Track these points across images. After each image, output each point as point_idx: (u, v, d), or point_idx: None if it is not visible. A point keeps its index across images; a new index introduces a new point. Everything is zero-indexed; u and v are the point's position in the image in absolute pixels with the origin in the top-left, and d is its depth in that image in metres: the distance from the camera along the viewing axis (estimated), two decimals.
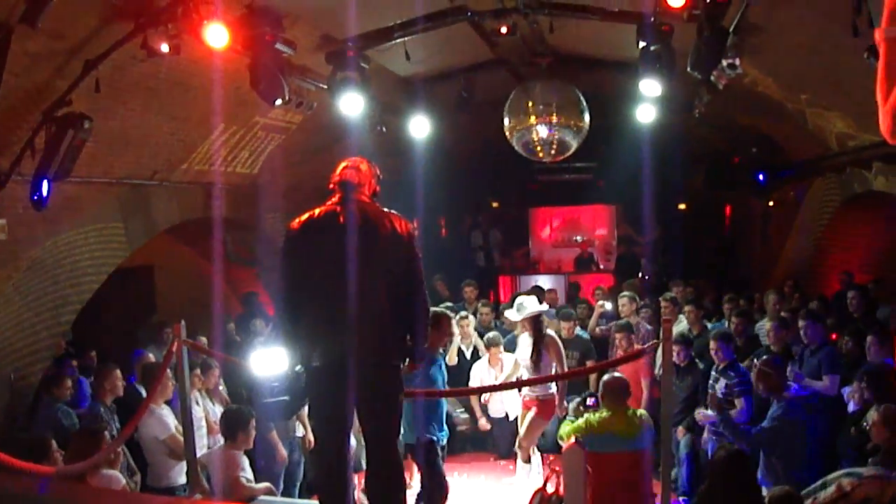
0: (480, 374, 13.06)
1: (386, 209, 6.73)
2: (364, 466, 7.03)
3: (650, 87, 11.34)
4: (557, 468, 8.32)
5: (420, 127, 14.42)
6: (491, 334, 13.29)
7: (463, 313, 14.04)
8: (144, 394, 10.27)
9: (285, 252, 6.89)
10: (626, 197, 23.74)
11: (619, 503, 8.60)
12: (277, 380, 9.57)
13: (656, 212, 21.44)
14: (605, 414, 8.82)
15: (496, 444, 13.60)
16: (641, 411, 9.24)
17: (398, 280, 6.59)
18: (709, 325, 13.71)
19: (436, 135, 15.01)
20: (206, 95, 11.15)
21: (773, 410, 9.12)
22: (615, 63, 14.77)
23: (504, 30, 12.15)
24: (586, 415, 8.97)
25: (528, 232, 28.49)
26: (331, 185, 6.84)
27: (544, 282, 21.78)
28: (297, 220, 6.78)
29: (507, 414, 13.21)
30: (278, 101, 10.20)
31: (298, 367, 6.98)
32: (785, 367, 9.91)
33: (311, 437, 10.82)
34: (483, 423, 13.41)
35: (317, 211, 6.72)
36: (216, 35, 8.73)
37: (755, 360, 10.05)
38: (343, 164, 6.92)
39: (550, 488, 8.95)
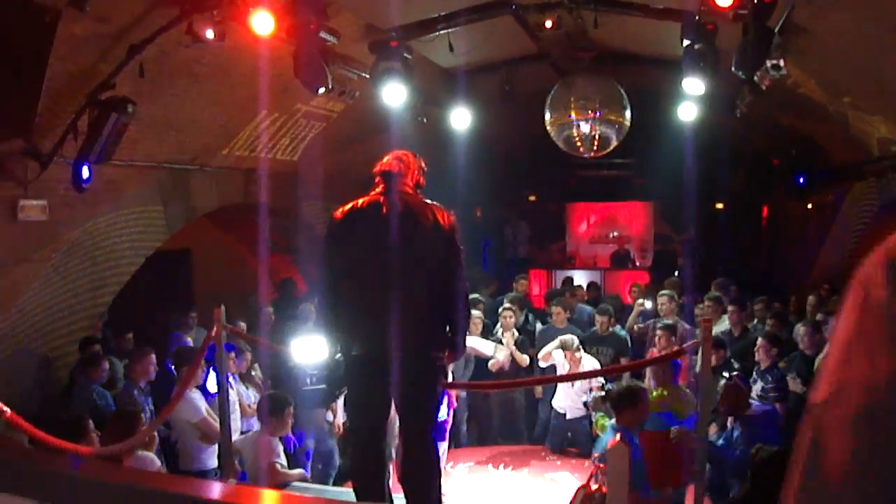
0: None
1: (429, 201, 6.72)
2: (396, 455, 7.03)
3: (693, 86, 11.27)
4: (602, 465, 8.32)
5: (461, 118, 14.43)
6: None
7: (507, 305, 14.00)
8: (177, 376, 10.34)
9: (328, 241, 6.83)
10: (664, 195, 23.65)
11: (672, 480, 8.63)
12: (316, 368, 9.58)
13: (694, 210, 21.35)
14: (661, 392, 8.83)
15: (552, 437, 13.54)
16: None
17: (439, 271, 6.56)
18: (748, 327, 13.58)
19: (477, 127, 15.01)
20: (249, 82, 11.19)
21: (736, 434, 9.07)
22: (658, 60, 14.70)
23: (549, 24, 12.14)
24: None
25: (566, 226, 28.39)
26: (375, 177, 6.79)
27: (579, 277, 21.69)
28: (340, 210, 6.73)
29: (565, 410, 13.15)
30: (321, 90, 10.21)
31: (338, 356, 6.98)
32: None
33: (339, 422, 10.86)
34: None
35: (360, 201, 6.68)
36: (261, 22, 8.77)
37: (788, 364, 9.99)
38: (387, 156, 6.93)
39: (594, 485, 8.95)
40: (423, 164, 7.02)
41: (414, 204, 6.59)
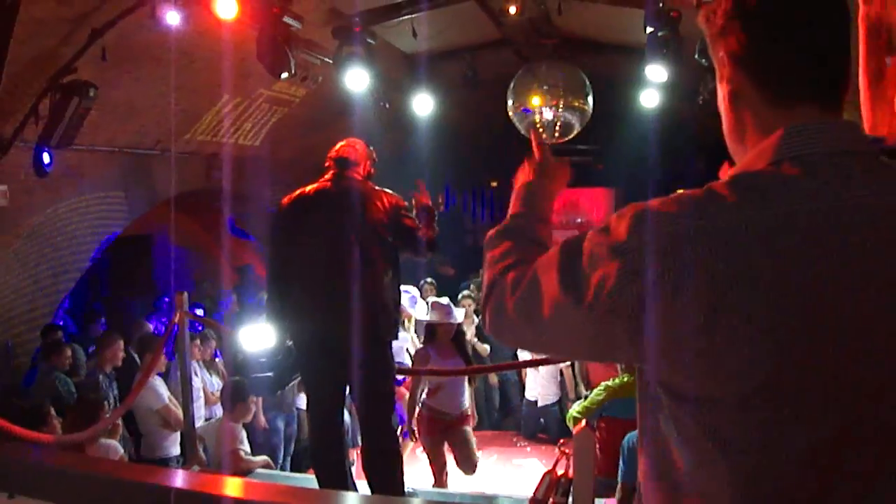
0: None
1: (378, 188, 6.74)
2: (360, 442, 7.04)
3: (656, 73, 11.34)
4: (567, 450, 8.33)
5: (423, 104, 14.41)
6: None
7: (466, 293, 14.00)
8: (140, 363, 10.30)
9: (274, 228, 6.90)
10: (626, 181, 23.70)
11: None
12: (265, 355, 9.59)
13: (656, 197, 21.40)
14: (626, 379, 8.84)
15: (525, 424, 13.55)
16: None
17: (388, 256, 6.61)
18: None
19: (439, 112, 14.99)
20: (212, 66, 11.14)
21: None
22: (621, 47, 14.75)
23: (512, 10, 12.14)
24: (604, 382, 8.94)
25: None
26: (327, 162, 6.83)
27: None
28: (287, 197, 6.78)
29: (536, 398, 13.17)
30: (284, 75, 10.15)
31: (289, 343, 6.99)
32: None
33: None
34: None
35: (308, 188, 6.73)
36: (225, 6, 8.70)
37: None
38: (341, 143, 6.93)
39: (560, 471, 8.95)
40: (374, 156, 7.05)
41: (364, 190, 6.61)
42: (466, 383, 9.80)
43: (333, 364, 6.48)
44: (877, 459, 1.58)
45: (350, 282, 6.33)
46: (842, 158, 1.65)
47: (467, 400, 9.74)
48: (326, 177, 6.73)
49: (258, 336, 9.06)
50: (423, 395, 9.57)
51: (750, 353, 1.51)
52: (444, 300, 9.99)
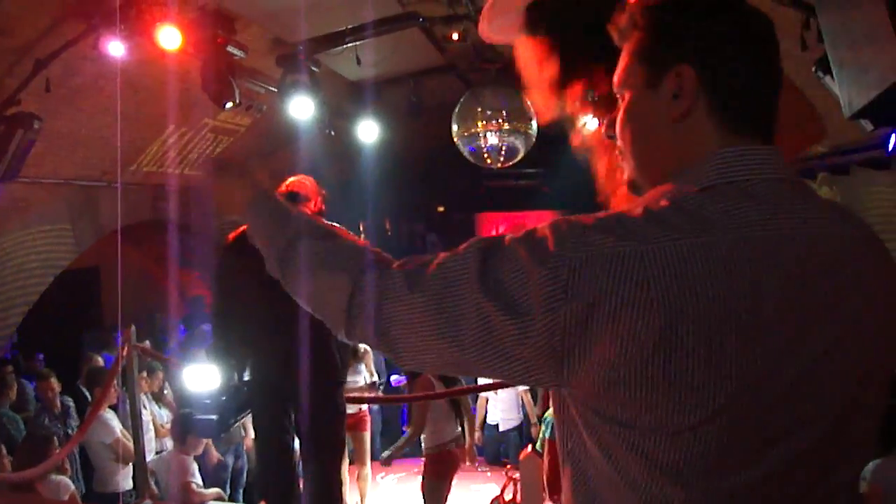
0: None
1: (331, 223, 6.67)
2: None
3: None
4: (515, 476, 8.33)
5: (369, 131, 14.45)
6: None
7: None
8: (90, 398, 10.22)
9: (221, 265, 6.79)
10: (572, 204, 23.70)
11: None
12: (209, 396, 9.46)
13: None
14: None
15: (486, 449, 13.53)
16: None
17: None
18: None
19: (385, 139, 15.03)
20: (157, 97, 11.10)
21: None
22: None
23: (455, 36, 12.20)
24: None
25: (476, 236, 28.22)
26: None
27: None
28: (234, 233, 6.58)
29: (497, 422, 13.18)
30: (228, 104, 10.15)
31: (235, 383, 6.89)
32: None
33: (250, 441, 10.78)
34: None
35: None
36: (169, 37, 8.71)
37: None
38: (291, 178, 6.87)
39: (508, 496, 8.97)
40: (324, 192, 6.98)
41: None
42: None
43: (284, 403, 6.42)
44: (819, 491, 1.60)
45: (298, 319, 6.13)
46: (775, 185, 1.65)
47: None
48: None
49: (202, 375, 9.00)
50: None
51: (694, 383, 1.48)
52: None
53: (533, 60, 2.52)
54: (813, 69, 7.78)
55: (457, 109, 14.68)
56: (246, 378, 6.63)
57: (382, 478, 11.45)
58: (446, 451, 9.40)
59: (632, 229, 1.54)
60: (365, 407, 10.69)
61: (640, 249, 1.50)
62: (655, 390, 1.50)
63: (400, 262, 1.82)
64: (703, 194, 1.61)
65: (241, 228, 6.41)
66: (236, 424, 9.27)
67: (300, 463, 6.96)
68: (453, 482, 9.40)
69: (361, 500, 10.65)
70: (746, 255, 1.51)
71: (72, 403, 10.41)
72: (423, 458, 9.51)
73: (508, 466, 10.77)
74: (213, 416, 8.11)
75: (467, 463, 10.11)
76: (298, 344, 6.18)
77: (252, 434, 10.32)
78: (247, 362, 6.54)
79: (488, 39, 2.74)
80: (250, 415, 7.22)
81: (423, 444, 9.49)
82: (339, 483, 6.96)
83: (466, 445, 9.85)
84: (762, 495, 1.55)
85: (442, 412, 9.44)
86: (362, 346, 11.24)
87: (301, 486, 7.05)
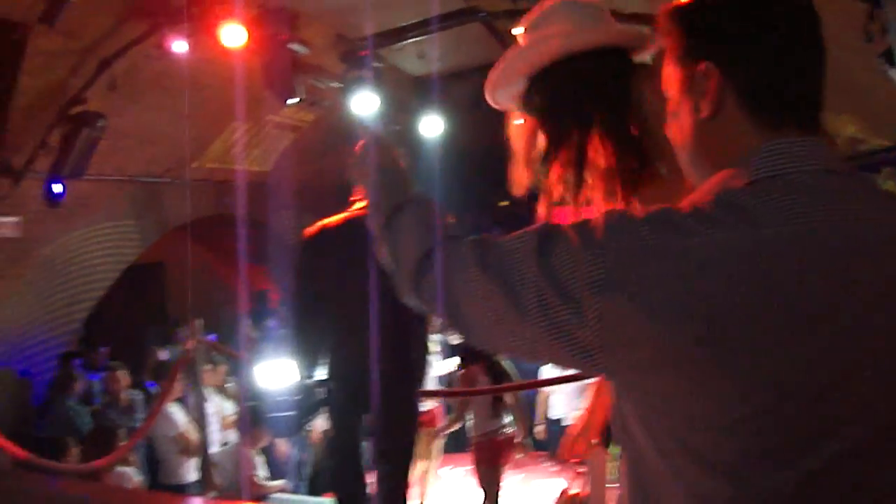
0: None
1: None
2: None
3: None
4: (581, 470, 8.33)
5: (433, 126, 14.42)
6: None
7: None
8: (154, 392, 10.33)
9: (300, 262, 6.61)
10: None
11: None
12: (283, 394, 9.47)
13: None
14: None
15: (552, 445, 13.40)
16: None
17: None
18: None
19: (448, 134, 15.00)
20: (220, 94, 11.17)
21: None
22: None
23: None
24: None
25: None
26: (353, 193, 6.38)
27: None
28: (314, 227, 6.39)
29: (560, 416, 13.05)
30: (291, 100, 10.18)
31: (311, 380, 6.79)
32: None
33: (316, 435, 10.82)
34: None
35: (338, 217, 6.34)
36: (232, 35, 8.76)
37: None
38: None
39: (575, 490, 8.95)
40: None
41: None
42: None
43: (360, 402, 6.31)
44: (869, 490, 1.55)
45: (378, 323, 5.95)
46: (822, 177, 1.61)
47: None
48: (355, 207, 6.33)
49: (275, 372, 9.03)
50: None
51: (735, 376, 1.47)
52: None
53: (522, 135, 2.71)
54: (878, 61, 7.68)
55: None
56: (322, 377, 6.51)
57: (451, 469, 11.45)
58: (492, 439, 9.57)
59: (677, 223, 1.54)
60: (436, 404, 10.67)
61: (683, 243, 1.50)
62: (697, 383, 1.51)
63: (473, 238, 1.83)
64: (746, 189, 1.60)
65: (319, 225, 6.39)
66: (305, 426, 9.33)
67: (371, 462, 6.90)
68: (520, 478, 9.40)
69: (423, 497, 10.64)
70: (789, 248, 1.50)
71: (138, 396, 10.54)
72: (472, 447, 9.67)
73: (575, 460, 10.71)
74: (288, 414, 8.15)
75: (520, 455, 10.13)
76: (377, 344, 6.02)
77: (318, 427, 10.40)
78: (324, 361, 6.42)
79: (493, 104, 2.87)
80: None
81: (470, 434, 9.60)
82: (408, 485, 6.90)
83: (518, 437, 9.89)
84: (810, 493, 1.52)
85: (485, 402, 9.60)
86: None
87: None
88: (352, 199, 6.42)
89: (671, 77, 1.83)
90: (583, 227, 1.63)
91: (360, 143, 2.47)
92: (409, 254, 1.96)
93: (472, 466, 9.60)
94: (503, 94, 2.80)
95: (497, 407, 9.63)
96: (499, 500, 9.67)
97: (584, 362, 1.62)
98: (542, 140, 2.60)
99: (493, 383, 9.54)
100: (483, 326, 1.77)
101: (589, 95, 2.53)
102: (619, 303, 1.51)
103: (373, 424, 6.45)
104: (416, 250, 1.93)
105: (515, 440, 9.86)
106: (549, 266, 1.61)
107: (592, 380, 11.49)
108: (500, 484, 9.60)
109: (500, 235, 1.80)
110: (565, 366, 1.74)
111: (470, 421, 9.76)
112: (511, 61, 2.69)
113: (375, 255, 2.06)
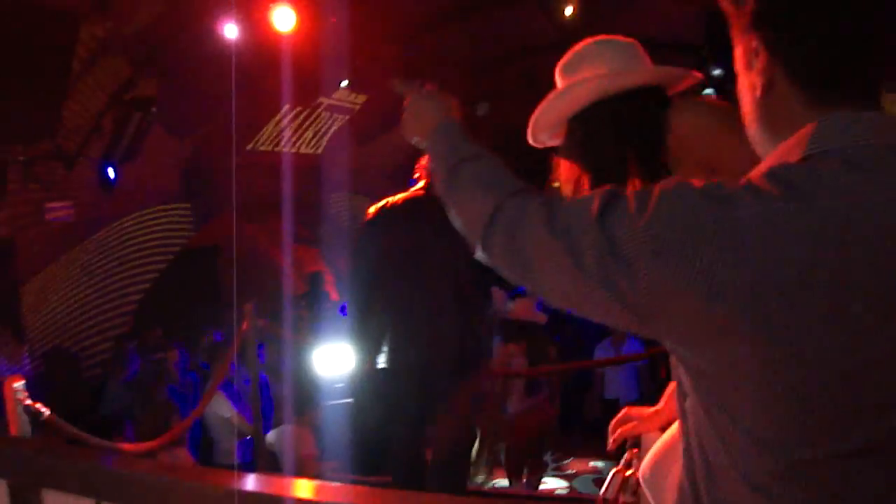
0: None
1: None
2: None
3: None
4: (636, 450, 8.32)
5: (481, 106, 14.41)
6: None
7: None
8: (207, 373, 10.41)
9: (364, 242, 6.38)
10: None
11: None
12: (341, 380, 9.41)
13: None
14: None
15: (604, 426, 13.29)
16: None
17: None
18: None
19: (498, 113, 14.98)
20: (272, 77, 11.21)
21: None
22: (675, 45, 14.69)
23: (568, 10, 12.13)
24: None
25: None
26: (416, 171, 6.18)
27: None
28: (375, 207, 6.16)
29: (617, 396, 12.97)
30: (343, 83, 10.20)
31: (370, 368, 6.60)
32: None
33: None
34: None
35: (399, 197, 6.11)
36: (283, 18, 8.79)
37: None
38: None
39: (629, 471, 8.94)
40: None
41: None
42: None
43: (424, 392, 6.14)
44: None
45: (445, 302, 5.99)
46: (881, 152, 1.57)
47: None
48: (419, 186, 6.11)
49: (332, 358, 9.00)
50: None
51: (778, 346, 1.47)
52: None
53: (567, 175, 2.82)
54: None
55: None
56: (382, 364, 6.32)
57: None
58: (527, 414, 9.63)
59: (729, 196, 1.55)
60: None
61: (733, 215, 1.51)
62: (742, 354, 1.51)
63: (542, 199, 1.84)
64: (800, 164, 1.59)
65: (381, 203, 6.17)
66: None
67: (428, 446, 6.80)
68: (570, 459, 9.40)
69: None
70: (837, 222, 1.49)
71: (192, 378, 10.62)
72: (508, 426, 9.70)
73: (629, 440, 10.64)
74: (346, 402, 8.12)
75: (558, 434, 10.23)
76: (442, 329, 5.99)
77: (375, 413, 10.39)
78: (385, 346, 6.25)
79: (535, 144, 2.95)
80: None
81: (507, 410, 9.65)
82: (468, 469, 6.86)
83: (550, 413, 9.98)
84: (855, 469, 1.52)
85: (520, 380, 9.70)
86: None
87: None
88: (413, 177, 6.24)
89: (735, 57, 1.83)
90: (642, 194, 1.65)
91: (408, 98, 2.48)
92: (478, 209, 1.98)
93: (509, 445, 9.62)
94: (545, 135, 2.88)
95: (532, 386, 9.65)
96: (541, 482, 9.70)
97: (639, 328, 1.64)
98: (584, 179, 2.70)
99: (530, 364, 9.55)
100: (552, 286, 1.80)
101: (626, 135, 2.61)
102: (667, 272, 1.53)
103: (435, 409, 6.37)
104: (484, 206, 1.95)
105: (550, 419, 9.89)
106: (609, 229, 1.62)
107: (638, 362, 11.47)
108: (543, 464, 9.62)
109: (574, 197, 1.85)
110: (625, 328, 1.75)
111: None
112: (550, 104, 2.75)
113: (439, 232, 2.09)
